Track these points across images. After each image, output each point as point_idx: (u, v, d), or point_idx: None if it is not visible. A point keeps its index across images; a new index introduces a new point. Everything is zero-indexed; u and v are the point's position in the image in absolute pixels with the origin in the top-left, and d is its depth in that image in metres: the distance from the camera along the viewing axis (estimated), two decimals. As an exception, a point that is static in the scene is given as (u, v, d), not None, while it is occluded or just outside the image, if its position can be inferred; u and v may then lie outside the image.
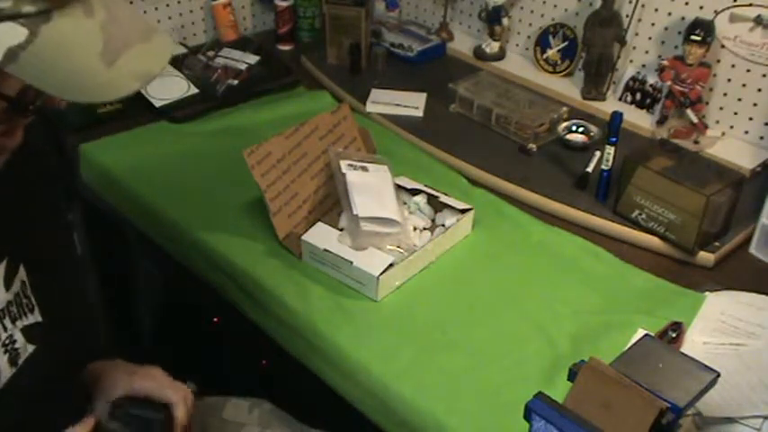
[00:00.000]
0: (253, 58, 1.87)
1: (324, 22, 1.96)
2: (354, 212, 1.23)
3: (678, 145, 1.47)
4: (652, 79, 1.66)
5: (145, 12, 1.92)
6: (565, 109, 1.66)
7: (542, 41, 1.84)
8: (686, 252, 1.29)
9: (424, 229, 1.31)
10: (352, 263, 1.18)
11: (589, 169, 1.49)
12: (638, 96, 1.70)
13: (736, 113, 1.57)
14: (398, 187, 1.34)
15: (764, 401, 0.99)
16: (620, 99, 1.73)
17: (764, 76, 1.50)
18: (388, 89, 1.80)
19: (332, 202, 1.34)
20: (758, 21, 1.46)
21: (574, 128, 1.62)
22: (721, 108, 1.58)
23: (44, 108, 0.70)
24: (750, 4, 1.47)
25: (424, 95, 1.77)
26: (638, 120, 1.65)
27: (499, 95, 1.70)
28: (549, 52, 1.84)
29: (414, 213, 1.34)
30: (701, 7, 1.54)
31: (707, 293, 1.20)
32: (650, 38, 1.66)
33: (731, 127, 1.58)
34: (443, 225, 1.30)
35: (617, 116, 1.36)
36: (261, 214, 1.32)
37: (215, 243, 1.30)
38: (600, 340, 1.11)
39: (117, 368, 0.99)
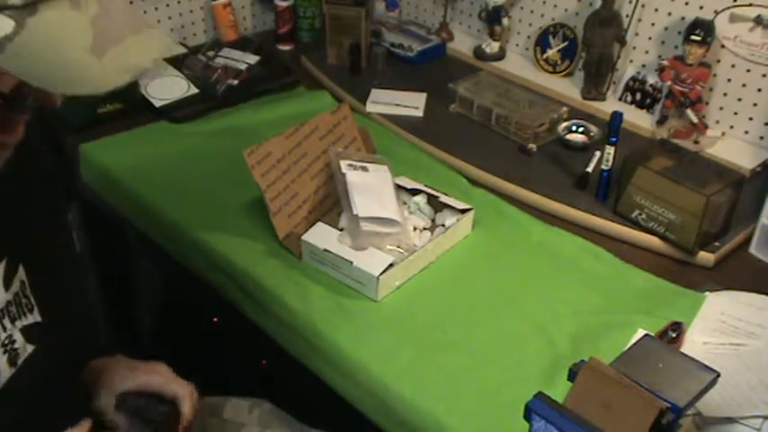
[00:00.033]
0: (253, 58, 1.87)
1: (324, 22, 1.96)
2: (354, 212, 1.23)
3: (678, 145, 1.47)
4: (652, 79, 1.66)
5: (145, 12, 1.92)
6: (565, 109, 1.66)
7: (542, 41, 1.84)
8: (686, 252, 1.29)
9: (424, 229, 1.31)
10: (352, 263, 1.18)
11: (589, 169, 1.49)
12: (638, 96, 1.70)
13: (736, 113, 1.57)
14: (398, 187, 1.34)
15: (764, 401, 0.99)
16: (620, 99, 1.73)
17: (764, 76, 1.50)
18: (388, 89, 1.80)
19: (332, 202, 1.34)
20: (758, 21, 1.46)
21: (574, 128, 1.62)
22: (721, 108, 1.58)
23: (41, 106, 0.70)
24: (750, 4, 1.47)
25: (424, 95, 1.77)
26: (638, 120, 1.65)
27: (499, 95, 1.70)
28: (549, 52, 1.84)
29: (414, 213, 1.34)
30: (701, 7, 1.54)
31: (707, 293, 1.20)
32: (650, 38, 1.66)
33: (731, 127, 1.58)
34: (443, 225, 1.30)
35: (617, 116, 1.36)
36: (261, 214, 1.32)
37: (215, 243, 1.30)
38: (600, 340, 1.11)
39: (122, 363, 1.00)
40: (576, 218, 1.39)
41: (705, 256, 1.29)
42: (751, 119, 1.55)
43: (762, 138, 1.54)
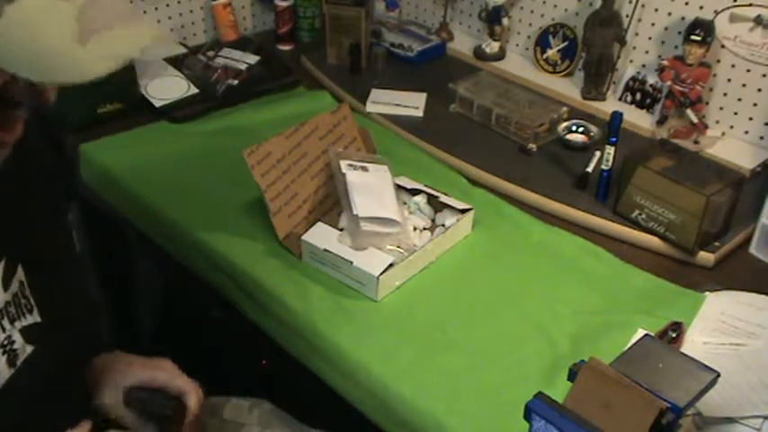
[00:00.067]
0: (253, 58, 1.87)
1: (324, 22, 1.96)
2: (354, 212, 1.23)
3: (678, 145, 1.47)
4: (652, 79, 1.66)
5: (145, 12, 1.92)
6: (565, 109, 1.66)
7: (542, 41, 1.84)
8: (686, 252, 1.29)
9: (424, 229, 1.31)
10: (352, 263, 1.18)
11: (589, 169, 1.49)
12: (638, 96, 1.70)
13: (736, 113, 1.57)
14: (398, 187, 1.34)
15: (764, 401, 0.99)
16: (620, 99, 1.73)
17: (764, 76, 1.50)
18: (388, 89, 1.80)
19: (332, 202, 1.34)
20: (758, 21, 1.46)
21: (574, 128, 1.62)
22: (721, 108, 1.58)
23: (38, 104, 0.70)
24: (750, 4, 1.47)
25: (424, 95, 1.77)
26: (638, 120, 1.65)
27: (499, 95, 1.70)
28: (549, 52, 1.84)
29: (414, 213, 1.34)
30: (701, 7, 1.54)
31: (707, 293, 1.20)
32: (650, 38, 1.66)
33: (731, 127, 1.58)
34: (443, 225, 1.30)
35: (617, 116, 1.36)
36: (261, 214, 1.32)
37: (215, 243, 1.30)
38: (600, 340, 1.11)
39: (125, 359, 1.01)
40: (576, 218, 1.39)
41: (705, 256, 1.29)
42: (751, 119, 1.55)
43: (762, 138, 1.54)
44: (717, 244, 1.30)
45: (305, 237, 1.24)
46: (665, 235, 1.31)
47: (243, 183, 1.30)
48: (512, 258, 1.30)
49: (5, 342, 0.79)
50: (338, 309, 1.18)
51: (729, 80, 1.55)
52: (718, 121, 1.59)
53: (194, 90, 1.75)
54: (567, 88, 1.79)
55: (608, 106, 1.65)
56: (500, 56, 1.93)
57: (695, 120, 1.54)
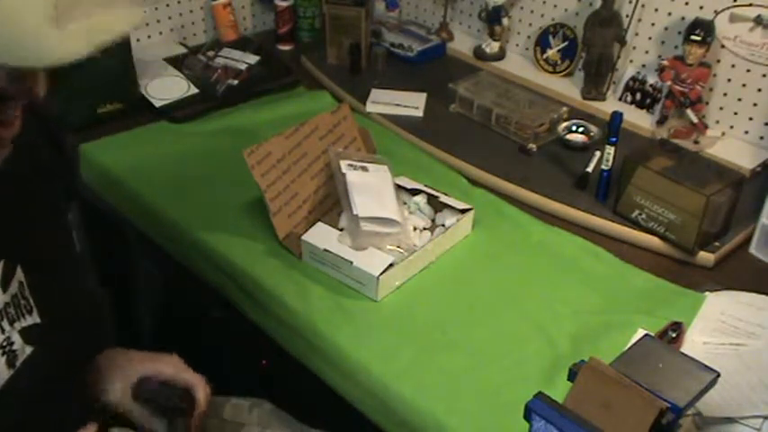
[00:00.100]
0: (253, 58, 1.87)
1: (324, 22, 1.96)
2: (354, 212, 1.23)
3: (678, 145, 1.47)
4: (652, 79, 1.66)
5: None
6: (565, 109, 1.66)
7: (542, 41, 1.84)
8: (686, 252, 1.29)
9: (424, 229, 1.31)
10: (352, 263, 1.18)
11: (589, 169, 1.49)
12: (638, 96, 1.70)
13: (736, 113, 1.57)
14: (398, 187, 1.34)
15: (764, 401, 0.99)
16: (620, 99, 1.73)
17: (764, 76, 1.50)
18: (388, 89, 1.80)
19: (332, 202, 1.34)
20: (758, 21, 1.46)
21: (574, 128, 1.62)
22: (721, 108, 1.58)
23: (24, 97, 0.70)
24: (750, 4, 1.47)
25: (424, 95, 1.77)
26: (638, 120, 1.65)
27: (499, 95, 1.70)
28: (549, 52, 1.84)
29: (414, 213, 1.34)
30: (701, 7, 1.54)
31: (707, 293, 1.20)
32: (650, 38, 1.66)
33: (731, 127, 1.58)
34: (443, 225, 1.30)
35: (617, 116, 1.36)
36: (261, 214, 1.32)
37: (215, 243, 1.30)
38: (600, 340, 1.11)
39: (131, 355, 1.01)
40: (576, 218, 1.39)
41: (705, 256, 1.29)
42: (751, 119, 1.55)
43: (762, 138, 1.54)
44: (717, 244, 1.30)
45: (305, 237, 1.24)
46: (665, 235, 1.31)
47: (243, 183, 1.30)
48: (512, 258, 1.30)
49: (5, 343, 0.79)
50: (338, 309, 1.18)
51: (729, 80, 1.55)
52: (718, 121, 1.59)
53: (194, 90, 1.75)
54: (567, 88, 1.79)
55: (608, 106, 1.65)
56: (500, 56, 1.93)
57: (695, 120, 1.54)
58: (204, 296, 1.37)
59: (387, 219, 1.24)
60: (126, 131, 1.62)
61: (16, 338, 0.80)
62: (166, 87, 1.75)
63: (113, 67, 1.65)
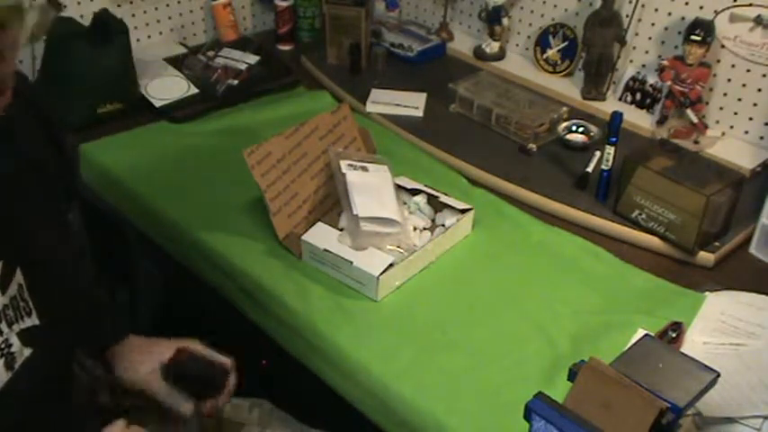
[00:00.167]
0: (253, 58, 1.87)
1: (324, 22, 1.96)
2: (354, 212, 1.23)
3: (678, 145, 1.47)
4: (652, 79, 1.66)
5: (145, 12, 1.92)
6: (565, 109, 1.66)
7: (542, 41, 1.84)
8: (686, 252, 1.29)
9: (424, 229, 1.31)
10: (352, 263, 1.18)
11: (589, 169, 1.49)
12: (638, 96, 1.70)
13: (736, 113, 1.57)
14: (398, 187, 1.34)
15: (764, 401, 0.99)
16: (620, 99, 1.73)
17: (764, 76, 1.50)
18: (388, 89, 1.80)
19: (332, 202, 1.34)
20: (758, 21, 1.46)
21: (574, 128, 1.62)
22: (721, 108, 1.58)
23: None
24: (750, 4, 1.47)
25: (424, 95, 1.77)
26: (638, 120, 1.65)
27: (499, 95, 1.70)
28: (549, 52, 1.84)
29: (414, 213, 1.34)
30: (701, 7, 1.54)
31: (707, 293, 1.20)
32: (650, 38, 1.66)
33: (731, 127, 1.58)
34: (443, 225, 1.30)
35: (617, 116, 1.36)
36: (261, 214, 1.32)
37: (215, 243, 1.30)
38: (600, 340, 1.11)
39: (157, 340, 1.05)
40: (576, 218, 1.39)
41: (705, 256, 1.29)
42: (751, 119, 1.55)
43: (762, 138, 1.54)
44: (717, 244, 1.30)
45: (305, 237, 1.24)
46: (665, 235, 1.31)
47: (243, 183, 1.30)
48: (512, 258, 1.30)
49: (3, 345, 0.79)
50: (338, 309, 1.18)
51: (729, 80, 1.55)
52: (718, 121, 1.59)
53: (194, 90, 1.75)
54: (567, 88, 1.79)
55: (608, 106, 1.65)
56: (500, 56, 1.93)
57: (695, 120, 1.54)
58: (204, 296, 1.36)
59: (387, 219, 1.24)
60: (126, 131, 1.62)
61: (14, 340, 0.80)
62: (166, 87, 1.75)
63: (113, 67, 1.65)
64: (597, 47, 1.68)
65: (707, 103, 1.58)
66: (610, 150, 1.38)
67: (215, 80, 1.79)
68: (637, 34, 1.68)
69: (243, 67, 1.83)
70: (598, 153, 1.50)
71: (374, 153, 1.44)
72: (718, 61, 1.54)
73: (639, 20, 1.66)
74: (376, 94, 1.78)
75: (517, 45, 1.94)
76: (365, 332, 1.14)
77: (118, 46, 1.66)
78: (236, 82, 1.79)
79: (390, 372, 1.07)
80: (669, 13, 1.61)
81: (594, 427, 0.81)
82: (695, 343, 1.10)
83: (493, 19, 1.88)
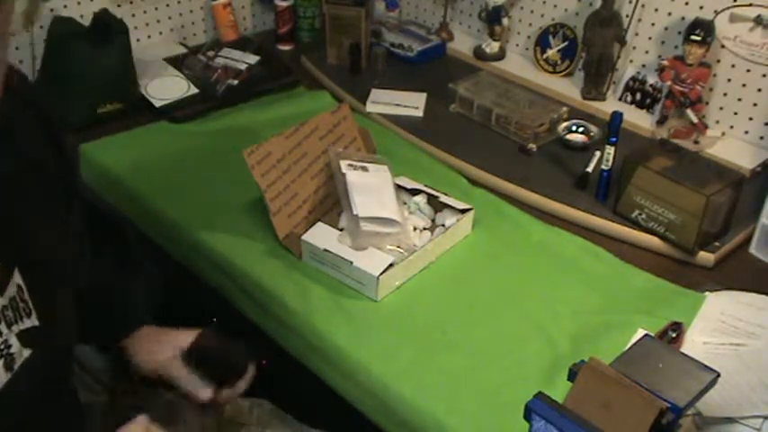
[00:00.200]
0: (253, 58, 1.87)
1: (324, 22, 1.96)
2: (354, 212, 1.23)
3: (678, 145, 1.47)
4: (652, 79, 1.66)
5: (145, 12, 1.92)
6: (565, 109, 1.66)
7: (542, 41, 1.84)
8: (686, 252, 1.29)
9: (424, 229, 1.31)
10: (352, 263, 1.18)
11: (589, 169, 1.49)
12: (638, 96, 1.70)
13: (736, 113, 1.57)
14: (398, 187, 1.34)
15: (764, 401, 0.99)
16: (620, 99, 1.73)
17: (764, 76, 1.50)
18: (388, 89, 1.80)
19: (332, 202, 1.34)
20: (758, 21, 1.46)
21: (574, 128, 1.62)
22: (721, 108, 1.58)
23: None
24: (750, 4, 1.47)
25: (424, 95, 1.77)
26: (638, 120, 1.65)
27: (499, 95, 1.70)
28: (549, 52, 1.84)
29: (414, 213, 1.34)
30: (701, 7, 1.54)
31: (707, 293, 1.20)
32: (650, 38, 1.66)
33: (731, 127, 1.58)
34: (443, 225, 1.30)
35: (617, 116, 1.36)
36: (261, 214, 1.32)
37: (215, 243, 1.30)
38: (600, 340, 1.11)
39: (174, 329, 1.07)
40: (576, 218, 1.39)
41: (705, 256, 1.29)
42: (751, 119, 1.55)
43: (762, 138, 1.54)
44: (717, 244, 1.30)
45: (305, 237, 1.24)
46: (665, 235, 1.31)
47: (243, 183, 1.30)
48: (512, 258, 1.30)
49: (2, 346, 0.79)
50: (338, 309, 1.18)
51: (729, 80, 1.55)
52: (718, 121, 1.59)
53: (194, 90, 1.75)
54: (567, 88, 1.79)
55: (608, 106, 1.65)
56: (500, 56, 1.93)
57: (695, 120, 1.54)
58: (204, 296, 1.36)
59: (387, 219, 1.24)
60: (126, 131, 1.62)
61: (14, 341, 0.80)
62: (166, 87, 1.75)
63: (113, 67, 1.65)
64: (597, 47, 1.68)
65: (707, 103, 1.58)
66: (610, 150, 1.38)
67: (215, 80, 1.79)
68: (637, 34, 1.68)
69: (243, 67, 1.83)
70: (598, 153, 1.50)
71: (374, 153, 1.44)
72: (718, 61, 1.54)
73: (639, 20, 1.66)
74: (376, 94, 1.78)
75: (517, 45, 1.94)
76: (365, 332, 1.14)
77: (118, 46, 1.66)
78: (236, 82, 1.79)
79: (390, 372, 1.07)
80: (669, 13, 1.61)
81: (594, 427, 0.81)
82: (695, 343, 1.10)
83: (493, 19, 1.88)
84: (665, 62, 1.56)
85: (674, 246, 1.30)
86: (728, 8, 1.49)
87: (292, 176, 1.30)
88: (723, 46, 1.52)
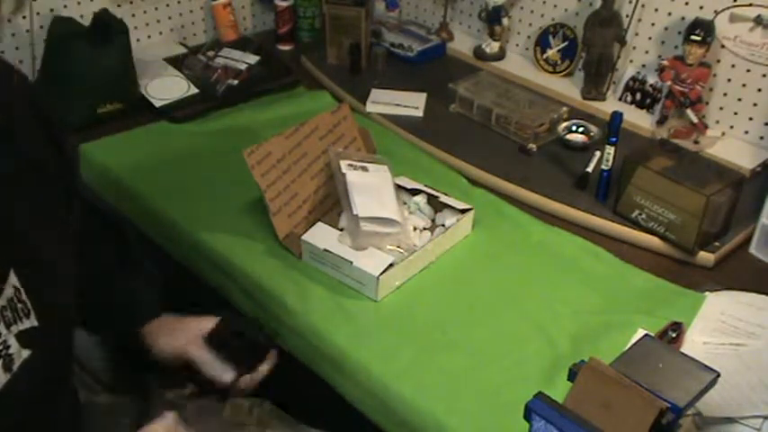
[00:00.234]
0: (253, 58, 1.87)
1: (324, 22, 1.96)
2: (354, 212, 1.23)
3: (678, 145, 1.47)
4: (652, 79, 1.66)
5: (145, 12, 1.92)
6: (565, 109, 1.66)
7: (542, 41, 1.84)
8: (686, 252, 1.29)
9: (424, 229, 1.31)
10: (352, 263, 1.18)
11: (589, 169, 1.49)
12: (638, 96, 1.70)
13: (736, 113, 1.57)
14: (398, 187, 1.34)
15: (764, 401, 0.99)
16: (620, 99, 1.73)
17: (764, 76, 1.50)
18: (388, 89, 1.80)
19: (332, 202, 1.34)
20: (758, 21, 1.46)
21: (574, 128, 1.62)
22: (721, 108, 1.58)
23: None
24: (750, 4, 1.47)
25: (424, 95, 1.77)
26: (638, 120, 1.65)
27: (499, 95, 1.70)
28: (549, 52, 1.84)
29: (414, 213, 1.34)
30: (701, 7, 1.54)
31: (707, 293, 1.20)
32: (650, 38, 1.66)
33: (731, 127, 1.58)
34: (443, 225, 1.30)
35: (617, 116, 1.36)
36: (261, 214, 1.32)
37: (215, 243, 1.30)
38: (600, 340, 1.11)
39: (188, 316, 1.10)
40: (576, 218, 1.39)
41: (705, 256, 1.29)
42: (751, 119, 1.55)
43: (762, 138, 1.54)
44: (717, 244, 1.30)
45: (305, 237, 1.24)
46: (665, 235, 1.31)
47: (243, 183, 1.30)
48: (512, 258, 1.30)
49: (1, 347, 0.78)
50: (338, 309, 1.18)
51: (729, 80, 1.55)
52: (718, 121, 1.59)
53: (194, 90, 1.75)
54: (567, 88, 1.79)
55: (608, 106, 1.65)
56: (500, 56, 1.93)
57: (695, 120, 1.54)
58: (204, 296, 1.36)
59: (387, 219, 1.24)
60: (126, 131, 1.62)
61: (12, 342, 0.79)
62: (166, 87, 1.75)
63: (113, 67, 1.65)
64: (597, 47, 1.68)
65: (707, 103, 1.58)
66: (610, 150, 1.38)
67: (215, 80, 1.79)
68: (637, 34, 1.68)
69: (243, 67, 1.83)
70: (598, 153, 1.50)
71: (374, 153, 1.44)
72: (718, 61, 1.54)
73: (639, 20, 1.66)
74: (376, 94, 1.78)
75: (517, 45, 1.94)
76: (365, 332, 1.14)
77: (118, 46, 1.66)
78: (236, 82, 1.79)
79: (390, 372, 1.07)
80: (669, 13, 1.61)
81: (594, 427, 0.81)
82: (695, 343, 1.10)
83: (493, 19, 1.88)
84: (665, 62, 1.56)
85: (674, 246, 1.30)
86: (728, 8, 1.49)
87: (292, 176, 1.30)
88: (723, 46, 1.52)
